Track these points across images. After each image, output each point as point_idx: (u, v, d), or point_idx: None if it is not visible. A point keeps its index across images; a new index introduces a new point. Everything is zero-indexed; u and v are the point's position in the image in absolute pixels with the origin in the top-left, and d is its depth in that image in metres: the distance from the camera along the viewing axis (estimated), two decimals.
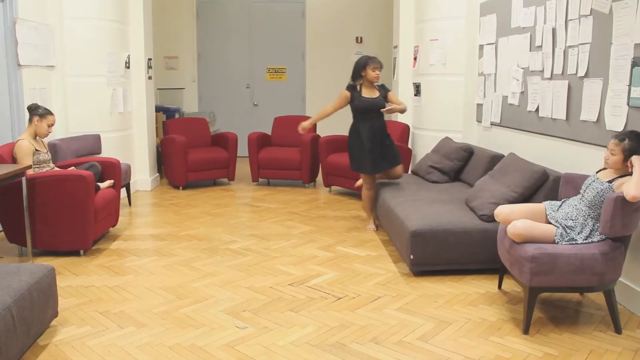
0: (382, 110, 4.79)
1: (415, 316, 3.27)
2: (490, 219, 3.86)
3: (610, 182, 2.99)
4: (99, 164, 4.92)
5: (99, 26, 6.06)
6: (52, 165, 4.62)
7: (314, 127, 7.56)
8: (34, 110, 4.45)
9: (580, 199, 3.14)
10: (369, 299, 3.53)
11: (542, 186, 3.86)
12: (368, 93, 4.85)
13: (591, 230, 3.04)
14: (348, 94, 4.85)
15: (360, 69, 4.82)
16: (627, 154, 2.93)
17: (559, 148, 4.23)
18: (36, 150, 4.41)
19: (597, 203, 3.00)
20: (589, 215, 3.06)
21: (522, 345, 2.91)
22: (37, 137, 4.50)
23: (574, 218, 3.09)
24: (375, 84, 4.89)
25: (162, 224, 5.36)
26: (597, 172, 3.17)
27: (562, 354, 2.81)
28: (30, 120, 4.45)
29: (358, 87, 4.86)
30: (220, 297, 3.56)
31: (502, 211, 3.34)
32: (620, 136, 2.98)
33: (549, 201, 3.37)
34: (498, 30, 5.37)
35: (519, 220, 3.11)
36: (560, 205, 3.27)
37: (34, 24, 5.37)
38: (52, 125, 4.53)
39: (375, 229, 5.12)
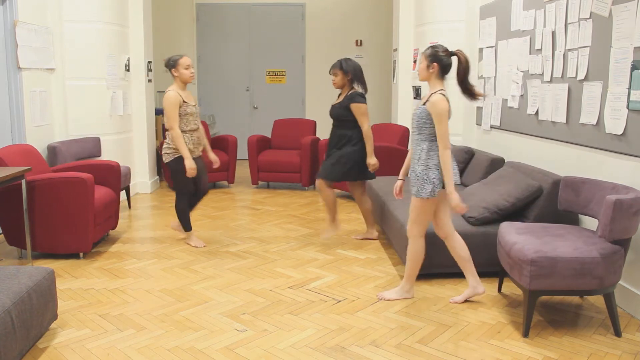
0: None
1: (414, 319, 3.27)
2: (479, 222, 3.86)
3: (423, 104, 3.29)
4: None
5: (98, 29, 6.07)
6: (198, 122, 4.54)
7: (314, 129, 7.58)
8: (166, 65, 4.46)
9: (412, 132, 3.39)
10: (369, 301, 3.53)
11: (535, 200, 3.85)
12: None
13: (427, 151, 3.26)
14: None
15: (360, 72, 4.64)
16: (430, 60, 3.32)
17: (558, 151, 4.23)
18: (184, 102, 4.39)
19: (422, 125, 3.29)
20: (421, 140, 3.28)
21: (522, 348, 2.91)
22: (185, 89, 4.47)
23: (417, 155, 3.31)
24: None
25: (162, 226, 5.36)
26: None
27: (562, 357, 2.81)
28: (172, 74, 4.45)
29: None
30: (220, 299, 3.55)
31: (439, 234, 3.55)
32: (426, 50, 3.37)
33: None
34: (498, 33, 5.38)
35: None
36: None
37: (34, 26, 5.37)
38: (189, 65, 4.45)
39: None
